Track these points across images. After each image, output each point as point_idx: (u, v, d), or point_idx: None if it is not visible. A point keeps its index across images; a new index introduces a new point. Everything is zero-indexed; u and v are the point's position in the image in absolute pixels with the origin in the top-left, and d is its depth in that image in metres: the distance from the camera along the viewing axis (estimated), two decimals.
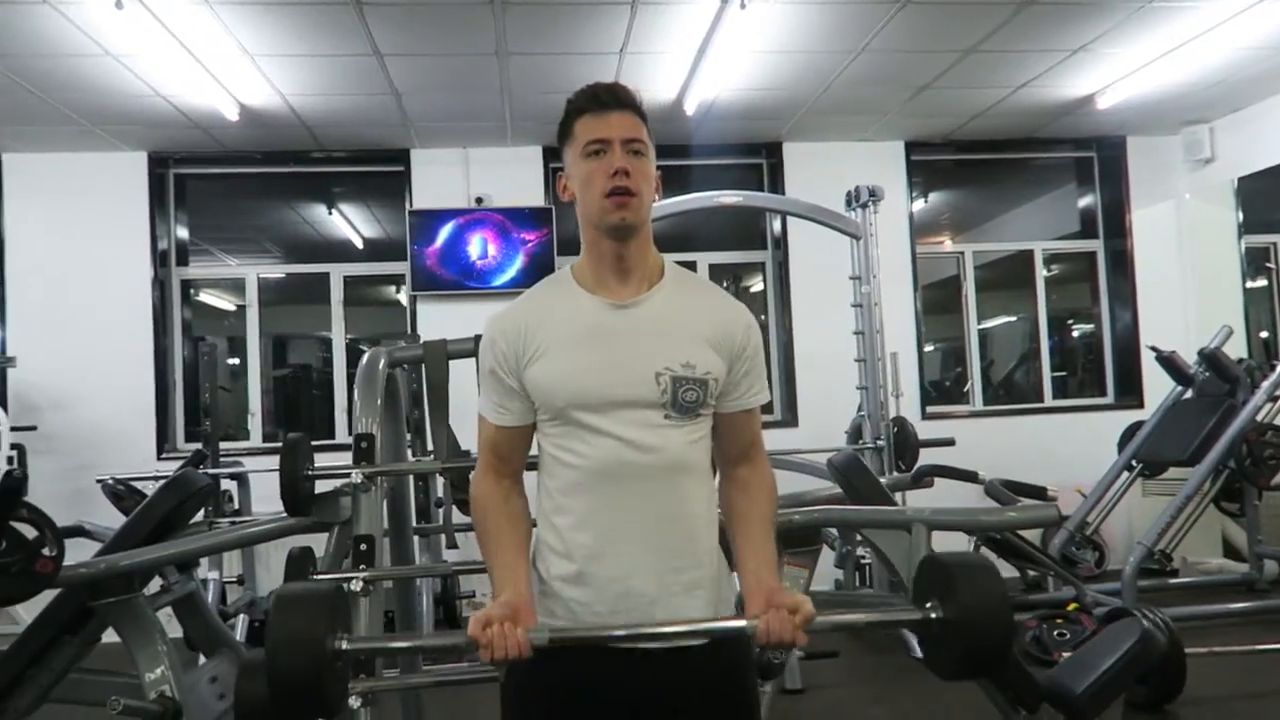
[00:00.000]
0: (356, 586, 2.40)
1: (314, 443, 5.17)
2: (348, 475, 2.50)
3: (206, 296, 7.93)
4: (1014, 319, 8.11)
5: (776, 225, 6.60)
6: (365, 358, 2.77)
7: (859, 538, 3.96)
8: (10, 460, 5.17)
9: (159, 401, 6.02)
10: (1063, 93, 5.75)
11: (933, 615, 1.56)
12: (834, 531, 3.54)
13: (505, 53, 4.79)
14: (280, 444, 3.64)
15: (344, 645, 1.50)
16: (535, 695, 1.56)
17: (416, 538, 3.74)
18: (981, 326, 8.69)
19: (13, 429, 5.27)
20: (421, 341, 2.82)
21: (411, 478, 3.39)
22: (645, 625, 1.52)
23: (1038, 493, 2.83)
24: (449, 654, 2.40)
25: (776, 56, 4.95)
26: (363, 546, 2.47)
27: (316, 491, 2.66)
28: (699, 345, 1.57)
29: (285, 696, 1.46)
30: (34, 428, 5.55)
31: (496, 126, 5.89)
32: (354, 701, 2.27)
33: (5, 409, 5.45)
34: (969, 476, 3.28)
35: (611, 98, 1.58)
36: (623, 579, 1.53)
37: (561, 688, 1.54)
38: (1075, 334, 7.75)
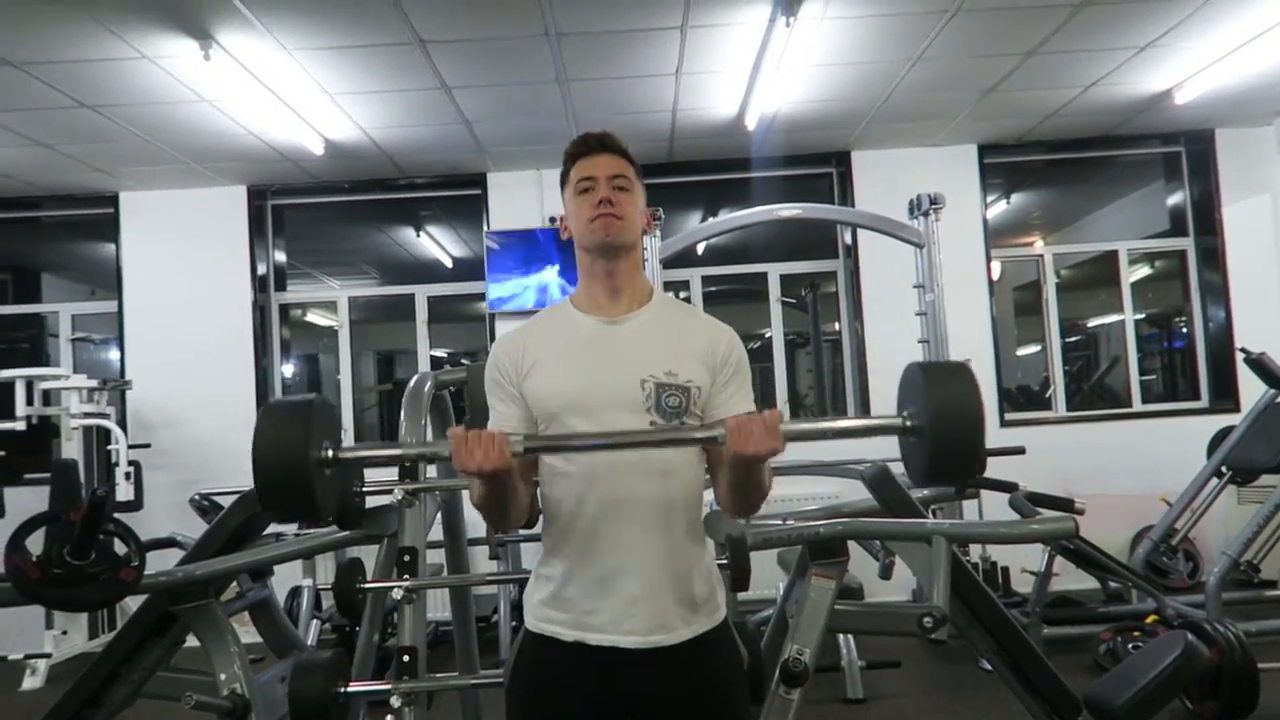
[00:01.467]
0: (399, 595, 2.62)
1: None
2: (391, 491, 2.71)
3: (313, 316, 8.41)
4: (1108, 320, 7.87)
5: (847, 234, 6.58)
6: (412, 381, 2.97)
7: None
8: (128, 475, 5.59)
9: None
10: (1137, 89, 5.58)
11: (907, 423, 1.60)
12: (878, 544, 3.57)
13: (565, 80, 4.97)
14: None
15: (330, 454, 1.64)
16: (533, 696, 1.72)
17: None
18: (1095, 324, 8.38)
19: (130, 446, 5.70)
20: (465, 366, 3.00)
21: None
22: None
23: (1065, 505, 2.81)
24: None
25: (831, 70, 4.99)
26: (406, 558, 2.67)
27: (369, 506, 2.87)
28: (682, 357, 1.70)
29: (272, 491, 1.60)
30: (149, 445, 6.00)
31: None
32: (395, 701, 2.47)
33: (125, 428, 5.91)
34: (1009, 488, 3.27)
35: (598, 144, 1.78)
36: (608, 576, 1.66)
37: (555, 689, 1.68)
38: (1169, 336, 7.48)
